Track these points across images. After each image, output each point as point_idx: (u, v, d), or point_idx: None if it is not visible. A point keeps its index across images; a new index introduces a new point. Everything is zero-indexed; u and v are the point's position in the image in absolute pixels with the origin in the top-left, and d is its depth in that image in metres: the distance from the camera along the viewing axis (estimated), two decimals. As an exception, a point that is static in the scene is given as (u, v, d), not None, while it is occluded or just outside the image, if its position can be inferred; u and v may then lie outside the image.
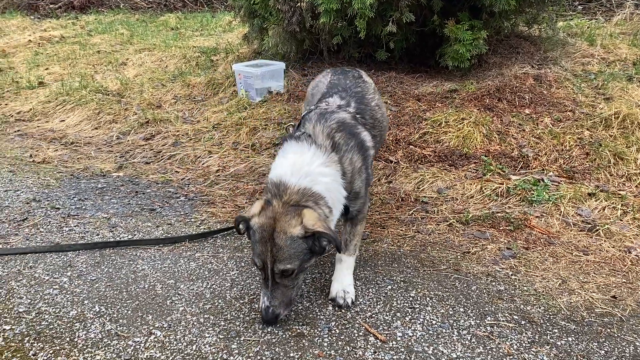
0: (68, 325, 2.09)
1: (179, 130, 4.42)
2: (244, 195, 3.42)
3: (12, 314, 2.16)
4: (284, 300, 2.00)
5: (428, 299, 2.27)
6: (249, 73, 4.78)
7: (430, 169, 3.51)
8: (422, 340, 2.00)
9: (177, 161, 3.97)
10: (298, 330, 2.06)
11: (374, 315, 2.16)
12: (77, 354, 1.92)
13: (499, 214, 2.97)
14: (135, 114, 4.73)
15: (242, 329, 2.08)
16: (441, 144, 3.78)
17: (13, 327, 2.07)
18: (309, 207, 2.00)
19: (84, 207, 3.21)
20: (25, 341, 1.99)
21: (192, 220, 3.06)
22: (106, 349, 1.96)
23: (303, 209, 1.98)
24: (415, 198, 3.25)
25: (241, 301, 2.26)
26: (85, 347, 1.97)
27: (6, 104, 5.17)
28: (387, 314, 2.17)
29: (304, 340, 2.01)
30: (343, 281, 2.26)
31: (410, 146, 3.79)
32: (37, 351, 1.94)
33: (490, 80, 4.53)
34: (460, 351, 1.95)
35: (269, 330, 2.06)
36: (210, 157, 3.98)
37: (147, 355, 1.92)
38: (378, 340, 2.01)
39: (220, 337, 2.02)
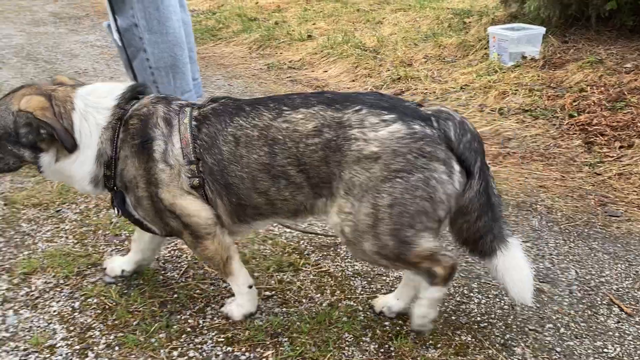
0: (332, 238, 2.50)
1: (427, 88, 4.62)
2: (487, 156, 3.47)
3: (289, 221, 2.65)
4: None
5: (687, 286, 2.12)
6: (505, 36, 4.72)
7: None
8: (676, 324, 1.91)
9: (424, 117, 4.19)
10: (538, 286, 2.14)
11: (620, 289, 2.12)
12: (339, 262, 2.31)
13: None
14: (389, 70, 5.06)
15: (482, 272, 2.23)
16: None
17: (292, 232, 2.55)
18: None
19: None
20: (300, 243, 2.45)
21: (437, 171, 3.26)
22: (363, 262, 2.30)
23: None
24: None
25: (482, 249, 2.41)
26: (346, 257, 2.34)
27: (281, 53, 5.98)
28: (636, 291, 2.11)
29: (543, 296, 2.09)
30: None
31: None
32: (310, 252, 2.37)
33: None
34: None
35: (508, 279, 2.18)
36: (456, 116, 4.11)
37: (396, 275, 2.21)
38: (623, 312, 1.98)
39: (462, 275, 2.21)
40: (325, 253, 2.37)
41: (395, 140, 1.59)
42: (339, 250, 2.39)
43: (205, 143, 1.73)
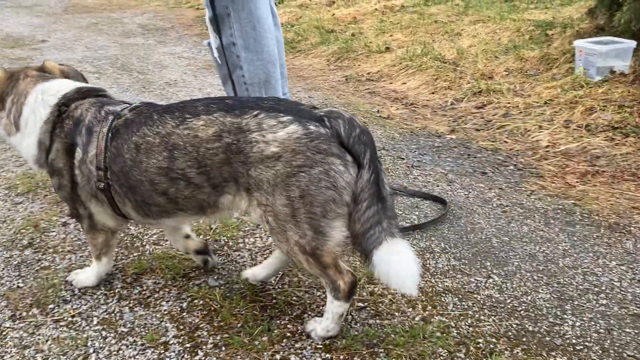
0: (419, 253, 2.55)
1: (510, 102, 4.58)
2: (574, 174, 3.43)
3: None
4: None
5: None
6: (592, 50, 4.59)
7: None
8: None
9: (507, 132, 4.16)
10: (635, 311, 2.10)
11: None
12: (429, 277, 2.36)
13: None
14: (469, 83, 5.05)
15: (575, 294, 2.22)
16: None
17: (379, 244, 2.63)
18: None
19: (423, 161, 3.70)
20: (389, 257, 2.52)
21: (522, 189, 3.24)
22: (453, 279, 2.35)
23: None
24: None
25: (574, 270, 2.39)
26: (435, 273, 2.39)
27: (359, 65, 6.09)
28: None
29: (641, 321, 2.06)
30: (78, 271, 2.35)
31: None
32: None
33: None
34: None
35: (603, 302, 2.16)
36: (540, 132, 4.05)
37: (487, 294, 2.24)
38: None
39: (554, 296, 2.21)
40: (414, 267, 2.43)
41: (293, 141, 1.77)
42: (427, 265, 2.45)
43: (113, 154, 1.98)
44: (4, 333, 2.04)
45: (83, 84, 2.25)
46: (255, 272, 2.24)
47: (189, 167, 1.87)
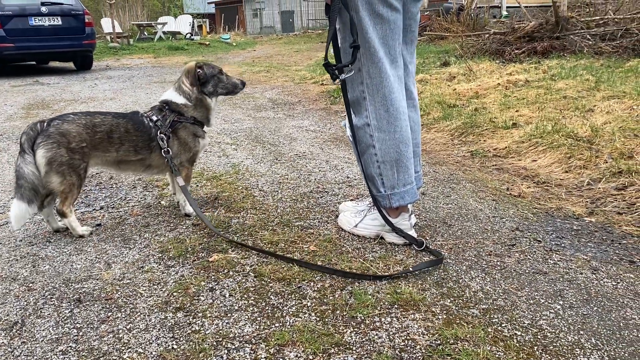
0: (568, 348, 2.40)
1: (656, 184, 4.27)
2: None
3: (515, 323, 2.62)
4: None
5: None
6: None
7: None
8: None
9: (655, 217, 3.86)
10: None
11: None
12: (582, 376, 2.21)
13: None
14: (606, 162, 4.80)
15: None
16: None
17: (522, 335, 2.52)
18: None
19: (562, 245, 3.52)
20: (535, 349, 2.40)
21: (680, 282, 2.96)
22: (609, 381, 2.18)
23: None
24: None
25: None
26: (588, 372, 2.24)
27: (484, 141, 6.04)
28: None
29: None
30: None
31: None
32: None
33: None
34: None
35: None
36: (695, 218, 3.72)
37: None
38: None
39: None
40: (563, 363, 2.29)
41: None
42: (579, 362, 2.30)
43: None
44: (162, 393, 2.20)
45: (166, 97, 3.85)
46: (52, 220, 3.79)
47: None
